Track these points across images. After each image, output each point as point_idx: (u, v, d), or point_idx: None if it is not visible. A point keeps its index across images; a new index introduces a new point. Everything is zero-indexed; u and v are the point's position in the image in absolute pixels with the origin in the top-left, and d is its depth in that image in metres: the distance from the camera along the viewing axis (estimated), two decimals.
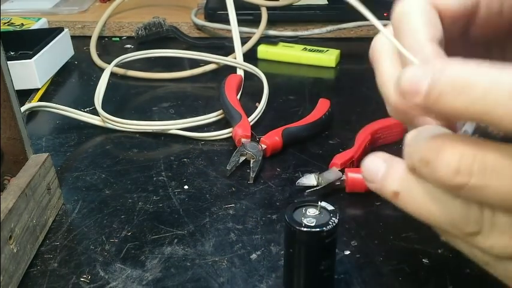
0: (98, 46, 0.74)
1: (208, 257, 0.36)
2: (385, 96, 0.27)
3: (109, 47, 0.78)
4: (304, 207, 0.32)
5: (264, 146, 0.47)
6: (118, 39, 0.80)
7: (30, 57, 0.60)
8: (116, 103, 0.59)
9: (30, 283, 0.35)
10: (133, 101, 0.61)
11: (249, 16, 0.75)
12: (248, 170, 0.45)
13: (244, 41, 0.70)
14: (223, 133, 0.51)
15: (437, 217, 0.23)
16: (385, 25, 0.25)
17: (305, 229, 0.30)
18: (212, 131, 0.52)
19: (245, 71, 0.64)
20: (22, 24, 0.76)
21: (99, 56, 0.71)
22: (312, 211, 0.31)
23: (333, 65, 0.67)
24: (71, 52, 0.70)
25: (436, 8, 0.26)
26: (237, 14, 0.70)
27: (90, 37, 0.76)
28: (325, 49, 0.69)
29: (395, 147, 0.47)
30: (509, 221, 0.21)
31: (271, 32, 0.76)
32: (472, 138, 0.21)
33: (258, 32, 0.72)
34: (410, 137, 0.24)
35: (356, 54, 0.70)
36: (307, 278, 0.32)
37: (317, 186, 0.42)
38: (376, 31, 0.27)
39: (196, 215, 0.41)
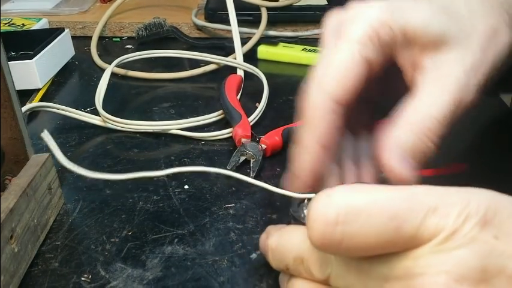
0: (99, 46, 0.75)
1: (209, 257, 0.37)
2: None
3: (110, 47, 0.78)
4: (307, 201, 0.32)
5: (264, 146, 0.47)
6: (119, 39, 0.80)
7: (31, 57, 0.60)
8: (116, 103, 0.60)
9: (31, 283, 0.35)
10: (133, 101, 0.61)
11: (249, 16, 0.75)
12: (248, 170, 0.46)
13: (244, 41, 0.70)
14: (223, 133, 0.51)
15: None
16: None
17: None
18: (212, 131, 0.52)
19: (245, 71, 0.64)
20: (23, 24, 0.76)
21: (100, 56, 0.71)
22: None
23: None
24: (71, 52, 0.70)
25: (336, 102, 0.31)
26: (237, 15, 0.70)
27: (90, 37, 0.76)
28: None
29: None
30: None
31: (271, 33, 0.76)
32: None
33: (258, 33, 0.72)
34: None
35: None
36: None
37: None
38: None
39: (197, 214, 0.41)
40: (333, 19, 0.35)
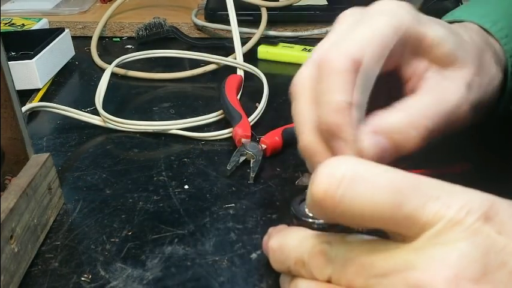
0: (99, 46, 0.75)
1: (209, 257, 0.37)
2: (298, 134, 0.33)
3: (110, 47, 0.78)
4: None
5: (264, 146, 0.47)
6: (119, 39, 0.80)
7: (31, 57, 0.60)
8: (116, 103, 0.60)
9: (31, 282, 0.35)
10: (133, 101, 0.61)
11: (249, 17, 0.75)
12: (248, 170, 0.46)
13: (244, 41, 0.70)
14: (224, 133, 0.51)
15: None
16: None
17: (311, 220, 0.30)
18: (212, 131, 0.52)
19: (245, 71, 0.64)
20: (23, 24, 0.76)
21: (100, 56, 0.71)
22: None
23: None
24: (71, 52, 0.70)
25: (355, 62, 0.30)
26: (237, 15, 0.70)
27: (90, 37, 0.76)
28: None
29: None
30: None
31: (271, 33, 0.76)
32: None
33: (258, 33, 0.72)
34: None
35: None
36: None
37: None
38: None
39: (197, 214, 0.41)
40: (355, 10, 0.35)
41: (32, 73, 0.61)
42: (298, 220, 0.31)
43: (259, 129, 0.52)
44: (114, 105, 0.59)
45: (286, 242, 0.29)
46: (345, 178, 0.24)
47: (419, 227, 0.23)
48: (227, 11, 0.70)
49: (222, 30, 0.77)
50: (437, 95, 0.32)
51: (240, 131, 0.49)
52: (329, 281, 0.26)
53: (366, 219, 0.24)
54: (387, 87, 0.36)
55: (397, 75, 0.35)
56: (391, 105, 0.32)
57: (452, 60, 0.33)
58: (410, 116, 0.31)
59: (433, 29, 0.33)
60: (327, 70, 0.31)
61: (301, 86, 0.33)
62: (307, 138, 0.32)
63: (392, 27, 0.31)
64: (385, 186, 0.23)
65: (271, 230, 0.32)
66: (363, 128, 0.30)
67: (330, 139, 0.31)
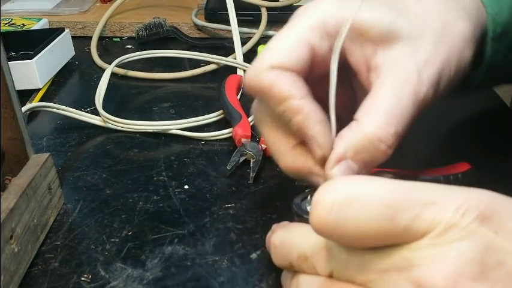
0: (99, 46, 0.75)
1: (209, 257, 0.37)
2: (276, 160, 0.35)
3: (110, 47, 0.78)
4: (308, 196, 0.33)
5: (264, 146, 0.47)
6: (119, 39, 0.80)
7: (31, 57, 0.60)
8: (116, 103, 0.60)
9: (31, 282, 0.35)
10: (133, 101, 0.61)
11: (249, 17, 0.75)
12: (248, 170, 0.46)
13: (244, 41, 0.70)
14: (223, 133, 0.51)
15: None
16: None
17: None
18: (212, 131, 0.52)
19: (245, 72, 0.64)
20: (23, 24, 0.76)
21: (100, 56, 0.71)
22: None
23: None
24: (71, 52, 0.70)
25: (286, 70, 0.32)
26: (237, 15, 0.70)
27: (90, 37, 0.76)
28: None
29: None
30: None
31: (271, 33, 0.76)
32: None
33: (258, 33, 0.72)
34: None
35: None
36: None
37: None
38: None
39: (197, 214, 0.41)
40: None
41: (32, 73, 0.61)
42: (300, 218, 0.31)
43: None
44: (114, 105, 0.59)
45: (289, 238, 0.29)
46: (335, 203, 0.24)
47: (419, 236, 0.23)
48: (227, 11, 0.70)
49: (222, 30, 0.77)
50: (393, 87, 0.31)
51: (240, 131, 0.49)
52: (330, 276, 0.27)
53: (365, 239, 0.24)
54: (351, 86, 0.36)
55: (352, 68, 0.34)
56: (355, 108, 0.32)
57: (394, 36, 0.32)
58: (374, 129, 0.30)
59: (362, 12, 0.32)
60: (259, 91, 0.32)
61: (256, 117, 0.35)
62: (284, 161, 0.34)
63: (308, 25, 0.33)
64: (377, 203, 0.23)
65: (274, 226, 0.32)
66: (330, 158, 0.31)
67: (304, 138, 0.32)
